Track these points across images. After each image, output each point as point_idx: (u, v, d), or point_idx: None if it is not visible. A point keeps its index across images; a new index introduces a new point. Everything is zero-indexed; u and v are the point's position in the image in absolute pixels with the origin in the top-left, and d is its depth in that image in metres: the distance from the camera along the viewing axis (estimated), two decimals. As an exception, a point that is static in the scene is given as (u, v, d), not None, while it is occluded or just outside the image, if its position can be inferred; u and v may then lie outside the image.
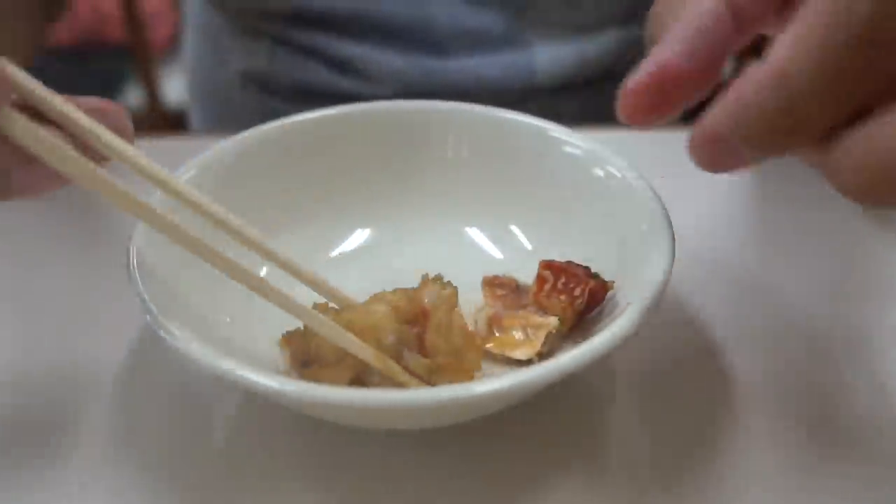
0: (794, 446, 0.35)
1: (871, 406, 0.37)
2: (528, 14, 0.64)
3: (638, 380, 0.38)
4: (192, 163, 0.39)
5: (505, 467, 0.34)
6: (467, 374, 0.34)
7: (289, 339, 0.35)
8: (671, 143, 0.57)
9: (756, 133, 0.23)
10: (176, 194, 0.32)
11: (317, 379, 0.33)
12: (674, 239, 0.34)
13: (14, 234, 0.47)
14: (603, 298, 0.35)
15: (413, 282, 0.35)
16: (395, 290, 0.34)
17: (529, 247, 0.42)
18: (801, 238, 0.47)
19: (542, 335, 0.35)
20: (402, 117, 0.44)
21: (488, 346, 0.36)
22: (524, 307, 0.37)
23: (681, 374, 0.38)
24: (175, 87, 1.53)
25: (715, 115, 0.24)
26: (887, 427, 0.36)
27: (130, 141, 0.31)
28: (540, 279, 0.36)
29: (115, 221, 0.48)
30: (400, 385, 0.33)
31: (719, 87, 0.25)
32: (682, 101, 0.26)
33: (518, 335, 0.36)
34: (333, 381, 0.33)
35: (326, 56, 0.66)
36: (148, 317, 0.31)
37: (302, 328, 0.34)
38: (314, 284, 0.35)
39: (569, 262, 0.36)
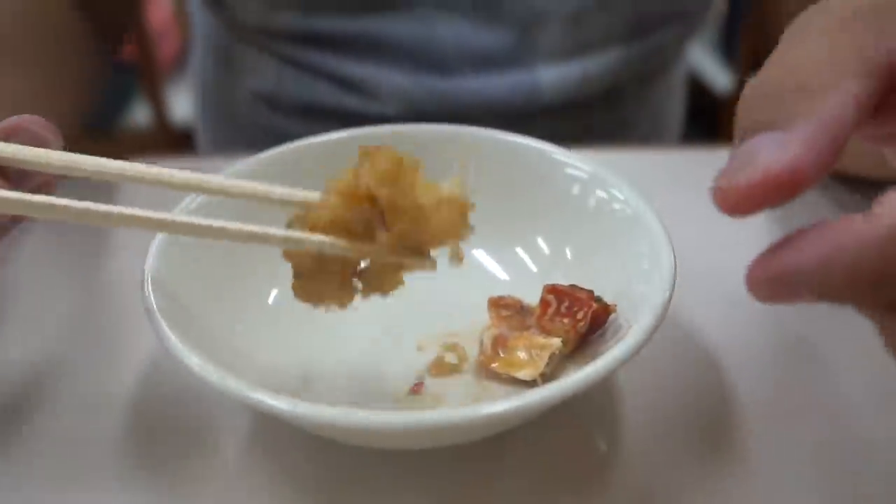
0: (799, 463, 0.35)
1: (875, 422, 0.37)
2: (532, 34, 0.64)
3: (641, 398, 0.38)
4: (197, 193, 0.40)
5: (509, 486, 0.34)
6: (449, 233, 0.33)
7: (288, 254, 0.34)
8: (671, 163, 0.58)
9: (838, 290, 0.22)
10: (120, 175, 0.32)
11: (305, 291, 0.33)
12: (674, 260, 0.35)
13: (28, 252, 0.48)
14: (605, 321, 0.36)
15: (421, 302, 0.36)
16: (345, 171, 0.33)
17: (534, 269, 0.42)
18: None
19: (545, 356, 0.36)
20: (409, 140, 0.44)
21: (493, 365, 0.37)
22: (528, 328, 0.38)
23: (684, 392, 0.39)
24: (182, 105, 1.54)
25: (794, 258, 0.22)
26: (892, 443, 0.36)
27: (58, 144, 0.31)
28: (544, 303, 0.36)
29: (128, 239, 0.49)
30: (394, 268, 0.33)
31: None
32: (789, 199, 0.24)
33: (522, 355, 0.36)
34: (324, 290, 0.33)
35: (333, 75, 0.67)
36: (159, 335, 0.32)
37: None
38: (261, 196, 0.33)
39: (572, 286, 0.37)
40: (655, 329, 0.32)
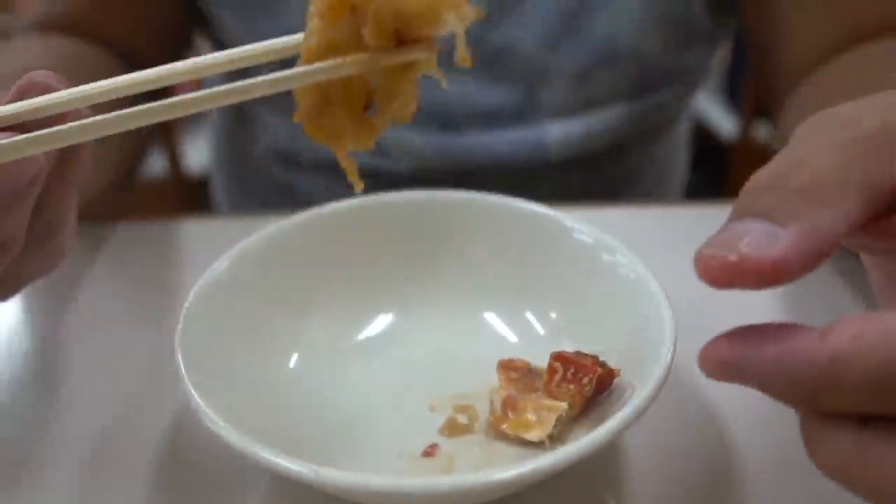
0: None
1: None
2: (538, 91, 0.66)
3: (646, 456, 0.40)
4: (225, 256, 0.42)
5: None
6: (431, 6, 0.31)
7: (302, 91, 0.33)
8: (674, 220, 0.60)
9: (777, 391, 0.24)
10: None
11: (322, 130, 0.33)
12: (675, 325, 0.37)
13: (61, 315, 0.50)
14: (610, 384, 0.38)
15: (433, 364, 0.38)
16: None
17: (542, 332, 0.44)
18: (801, 314, 0.49)
19: (553, 418, 0.37)
20: (422, 207, 0.47)
21: (503, 426, 0.39)
22: (536, 390, 0.39)
23: (688, 450, 0.40)
24: (197, 154, 1.57)
25: (747, 352, 0.24)
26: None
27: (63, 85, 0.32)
28: (551, 370, 0.38)
29: (157, 304, 0.51)
30: (399, 78, 0.32)
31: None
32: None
33: (531, 417, 0.38)
34: (340, 127, 0.33)
35: None
36: (190, 402, 0.34)
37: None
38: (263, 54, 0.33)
39: (577, 353, 0.38)
40: (659, 390, 0.34)
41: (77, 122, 0.30)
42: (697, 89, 0.77)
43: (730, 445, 0.40)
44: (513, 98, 0.67)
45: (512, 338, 0.45)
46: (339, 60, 0.30)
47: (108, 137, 0.31)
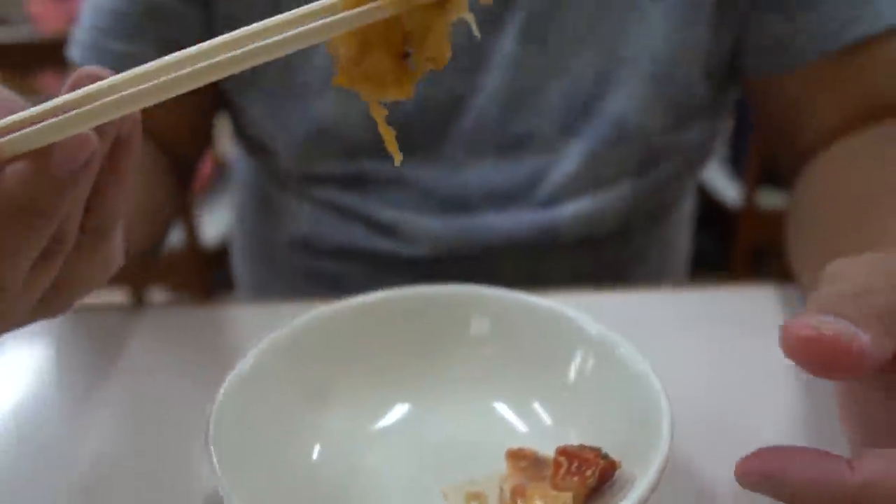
0: None
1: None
2: (552, 172, 0.68)
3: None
4: (253, 351, 0.45)
5: None
6: None
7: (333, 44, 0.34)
8: (673, 305, 0.63)
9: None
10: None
11: (363, 76, 0.33)
12: (671, 417, 0.39)
13: (93, 392, 0.53)
14: (612, 475, 0.40)
15: (446, 452, 0.40)
16: None
17: (549, 422, 0.47)
18: (797, 397, 0.51)
19: (560, 506, 0.40)
20: (434, 302, 0.50)
21: (513, 514, 0.41)
22: (544, 478, 0.42)
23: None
24: (213, 225, 1.61)
25: (786, 470, 0.29)
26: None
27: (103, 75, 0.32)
28: (556, 464, 0.41)
29: (185, 394, 0.54)
30: (433, 21, 0.33)
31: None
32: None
33: (539, 505, 0.41)
34: (380, 73, 0.33)
35: (369, 219, 0.71)
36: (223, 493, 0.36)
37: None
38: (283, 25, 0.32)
39: (581, 446, 0.41)
40: (658, 481, 0.36)
41: (117, 95, 0.31)
42: (701, 166, 0.79)
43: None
44: (527, 178, 0.69)
45: (521, 427, 0.48)
46: (376, 3, 0.32)
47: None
